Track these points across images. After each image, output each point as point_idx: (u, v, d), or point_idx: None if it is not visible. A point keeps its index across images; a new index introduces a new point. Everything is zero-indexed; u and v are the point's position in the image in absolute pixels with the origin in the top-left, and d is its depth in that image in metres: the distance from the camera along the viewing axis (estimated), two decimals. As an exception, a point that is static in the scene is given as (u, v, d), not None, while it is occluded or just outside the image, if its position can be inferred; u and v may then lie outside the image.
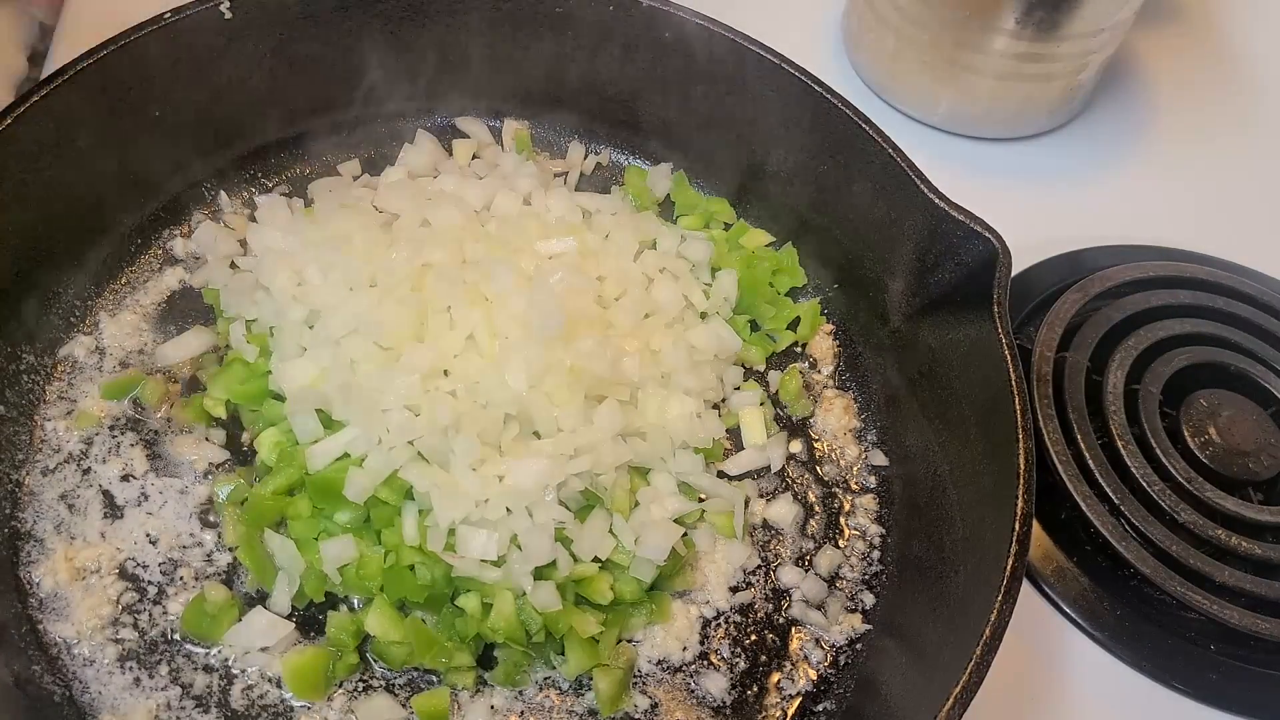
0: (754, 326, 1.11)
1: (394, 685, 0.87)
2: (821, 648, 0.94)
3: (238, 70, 1.06)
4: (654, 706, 0.89)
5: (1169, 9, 1.55)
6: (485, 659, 0.89)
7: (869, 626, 0.95)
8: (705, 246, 1.12)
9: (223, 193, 1.12)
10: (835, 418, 1.07)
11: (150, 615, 0.88)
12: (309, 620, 0.89)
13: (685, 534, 0.94)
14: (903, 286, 1.03)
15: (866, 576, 0.98)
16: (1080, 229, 1.26)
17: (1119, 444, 1.03)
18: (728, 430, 1.04)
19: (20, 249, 0.96)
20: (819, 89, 1.04)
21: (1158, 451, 1.03)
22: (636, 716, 0.88)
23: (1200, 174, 1.38)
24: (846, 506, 1.02)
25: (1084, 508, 0.99)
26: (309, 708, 0.85)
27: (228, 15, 1.03)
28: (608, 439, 0.93)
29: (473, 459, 0.89)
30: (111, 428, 0.97)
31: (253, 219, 1.10)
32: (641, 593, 0.91)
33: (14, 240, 0.95)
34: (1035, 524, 0.92)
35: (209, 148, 1.10)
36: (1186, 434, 1.05)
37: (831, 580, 0.98)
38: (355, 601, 0.90)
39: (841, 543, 1.00)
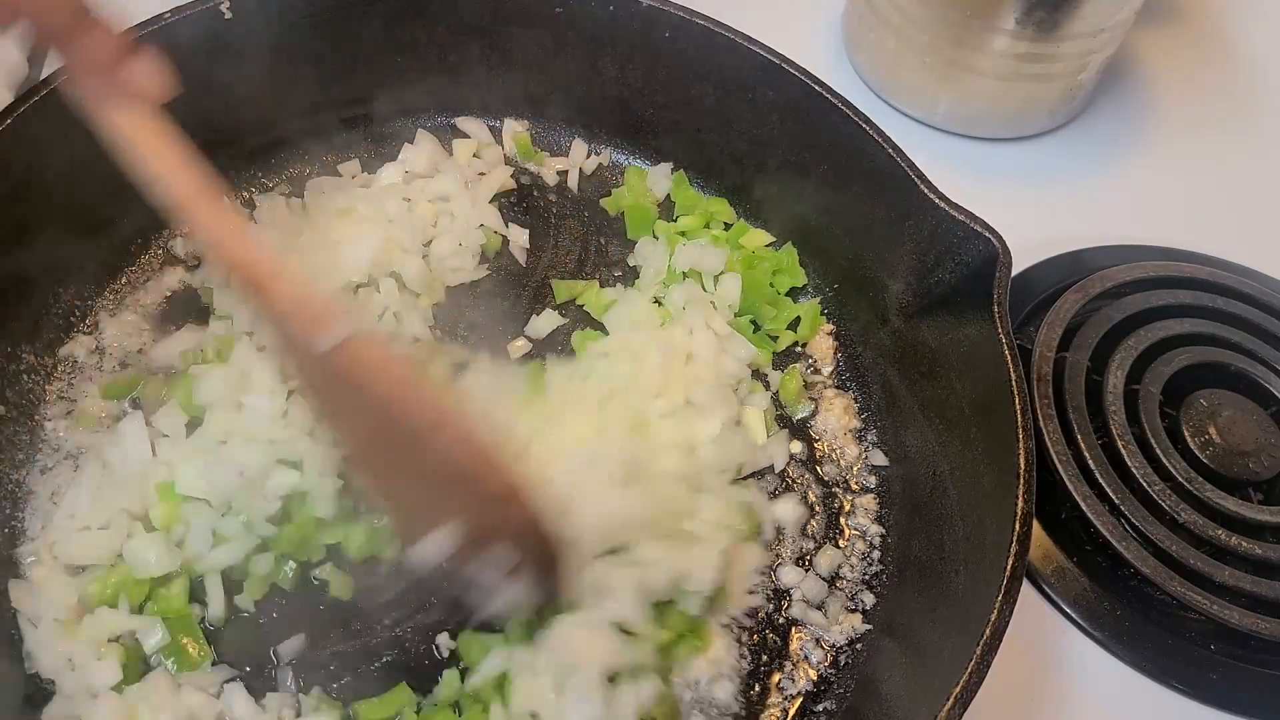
0: (754, 327, 1.11)
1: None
2: (821, 648, 0.94)
3: (238, 70, 1.06)
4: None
5: (1169, 9, 1.55)
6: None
7: (869, 626, 0.95)
8: (718, 255, 1.11)
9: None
10: (835, 418, 1.07)
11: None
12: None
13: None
14: (903, 286, 1.03)
15: (866, 576, 0.98)
16: (1080, 229, 1.26)
17: (1119, 444, 1.03)
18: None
19: (20, 248, 0.96)
20: (819, 89, 1.04)
21: (1158, 451, 1.03)
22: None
23: (1201, 174, 1.38)
24: (846, 506, 1.02)
25: (1084, 508, 0.99)
26: None
27: (228, 15, 1.02)
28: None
29: None
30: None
31: (252, 219, 1.10)
32: (688, 623, 0.90)
33: (14, 240, 0.95)
34: (1035, 524, 0.92)
35: (209, 148, 1.09)
36: (1186, 434, 1.05)
37: (831, 580, 0.98)
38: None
39: (841, 543, 1.00)
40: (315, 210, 1.09)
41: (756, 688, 0.91)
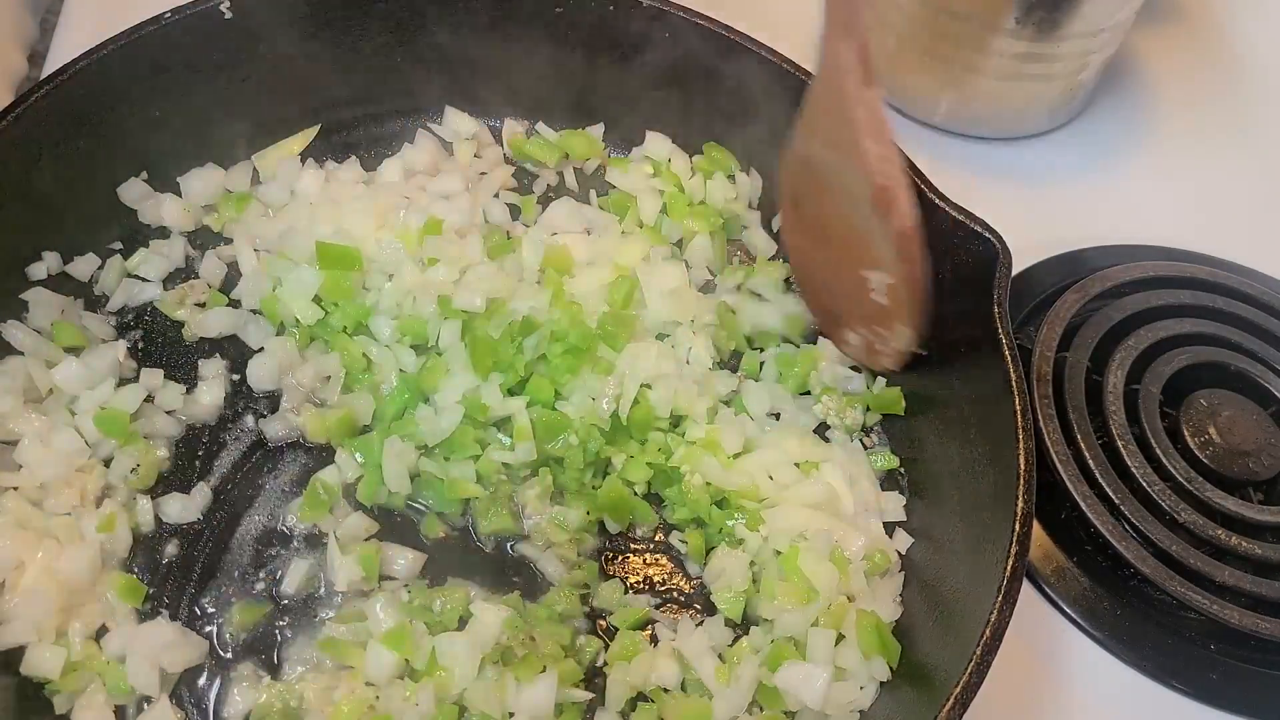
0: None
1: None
2: (821, 647, 0.94)
3: (238, 70, 1.06)
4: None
5: (1169, 9, 1.55)
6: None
7: (869, 626, 0.95)
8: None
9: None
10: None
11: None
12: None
13: None
14: (903, 286, 1.03)
15: (866, 576, 0.98)
16: (1080, 229, 1.26)
17: (1119, 444, 1.03)
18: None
19: (21, 247, 0.96)
20: (819, 89, 1.04)
21: (1158, 451, 1.03)
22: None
23: (1201, 174, 1.38)
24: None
25: (1084, 508, 0.99)
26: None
27: (228, 15, 1.03)
28: None
29: None
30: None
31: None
32: None
33: (15, 238, 0.95)
34: (1035, 524, 0.92)
35: (209, 147, 1.10)
36: (1186, 434, 1.05)
37: (831, 580, 0.98)
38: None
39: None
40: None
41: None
